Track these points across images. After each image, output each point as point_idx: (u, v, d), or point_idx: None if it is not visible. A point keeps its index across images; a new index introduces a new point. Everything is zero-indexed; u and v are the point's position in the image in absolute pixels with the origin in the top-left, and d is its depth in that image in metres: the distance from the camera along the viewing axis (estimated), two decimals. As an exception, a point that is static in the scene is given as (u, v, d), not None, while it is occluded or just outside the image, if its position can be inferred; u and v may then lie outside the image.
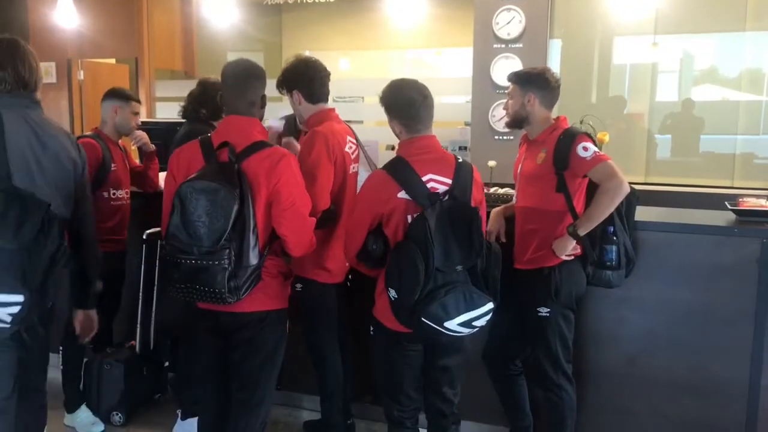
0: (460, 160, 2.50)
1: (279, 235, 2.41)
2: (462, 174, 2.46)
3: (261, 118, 2.53)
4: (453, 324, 2.34)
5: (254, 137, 2.41)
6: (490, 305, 2.40)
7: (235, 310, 2.40)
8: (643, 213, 2.96)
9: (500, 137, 5.02)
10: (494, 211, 3.01)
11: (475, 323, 2.38)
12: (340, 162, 2.90)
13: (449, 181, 2.43)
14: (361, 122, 6.36)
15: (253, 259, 2.31)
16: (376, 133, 5.75)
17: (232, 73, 2.48)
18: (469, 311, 2.35)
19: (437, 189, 2.41)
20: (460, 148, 5.45)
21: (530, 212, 2.81)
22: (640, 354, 3.02)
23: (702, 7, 5.13)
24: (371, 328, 2.60)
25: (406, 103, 2.48)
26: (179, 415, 3.40)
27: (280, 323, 2.53)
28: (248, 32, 7.36)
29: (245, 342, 2.46)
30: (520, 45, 4.95)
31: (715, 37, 5.50)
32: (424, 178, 2.41)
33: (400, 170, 2.43)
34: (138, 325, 3.62)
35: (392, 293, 2.38)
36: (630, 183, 2.85)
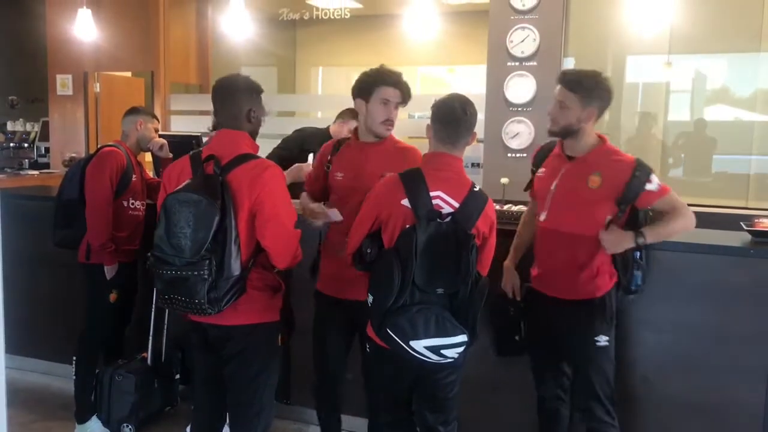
0: (477, 189, 2.47)
1: (263, 246, 2.42)
2: (472, 201, 2.43)
3: (253, 132, 2.55)
4: (419, 345, 2.30)
5: (241, 150, 2.44)
6: (463, 338, 2.35)
7: (221, 323, 2.43)
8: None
9: (513, 154, 5.02)
10: (506, 266, 2.88)
11: (444, 352, 2.33)
12: None
13: (456, 204, 2.40)
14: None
15: (235, 270, 2.32)
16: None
17: (219, 87, 2.55)
18: (439, 337, 2.31)
19: (442, 208, 2.38)
20: (472, 164, 5.45)
21: (577, 239, 2.62)
22: (653, 375, 2.99)
23: (717, 27, 5.12)
24: (367, 347, 2.59)
25: (445, 109, 2.48)
26: None
27: (270, 336, 2.54)
28: (263, 47, 7.40)
29: (235, 355, 2.48)
30: (534, 63, 4.95)
31: (728, 57, 5.50)
32: (433, 194, 2.39)
33: (411, 179, 2.42)
34: (150, 337, 3.64)
35: (369, 299, 2.38)
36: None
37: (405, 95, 2.76)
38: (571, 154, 2.68)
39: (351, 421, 3.14)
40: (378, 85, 2.72)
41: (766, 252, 2.86)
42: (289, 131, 5.39)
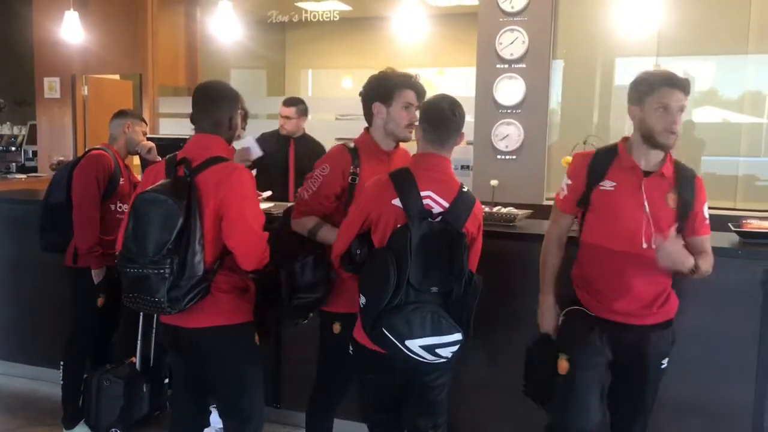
0: (465, 190, 2.47)
1: (228, 248, 2.43)
2: (461, 202, 2.42)
3: (231, 139, 2.58)
4: (414, 344, 2.29)
5: (214, 153, 2.47)
6: (458, 336, 2.34)
7: (189, 325, 2.45)
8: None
9: (503, 156, 5.04)
10: (548, 303, 2.59)
11: (439, 351, 2.31)
12: None
13: (446, 205, 2.40)
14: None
15: (198, 270, 2.34)
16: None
17: (202, 93, 2.56)
18: (435, 336, 2.29)
19: (432, 207, 2.38)
20: (462, 167, 5.46)
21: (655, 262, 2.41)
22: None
23: (704, 29, 5.16)
24: (350, 349, 2.57)
25: (435, 109, 2.47)
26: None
27: (242, 337, 2.55)
28: (252, 50, 7.39)
29: (208, 358, 2.52)
30: (523, 65, 4.97)
31: (716, 60, 5.53)
32: (423, 194, 2.38)
33: (401, 178, 2.42)
34: (138, 341, 3.61)
35: (362, 300, 2.36)
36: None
37: (422, 97, 2.72)
38: (645, 168, 2.44)
39: (340, 424, 3.13)
40: (400, 89, 2.66)
41: (753, 253, 2.87)
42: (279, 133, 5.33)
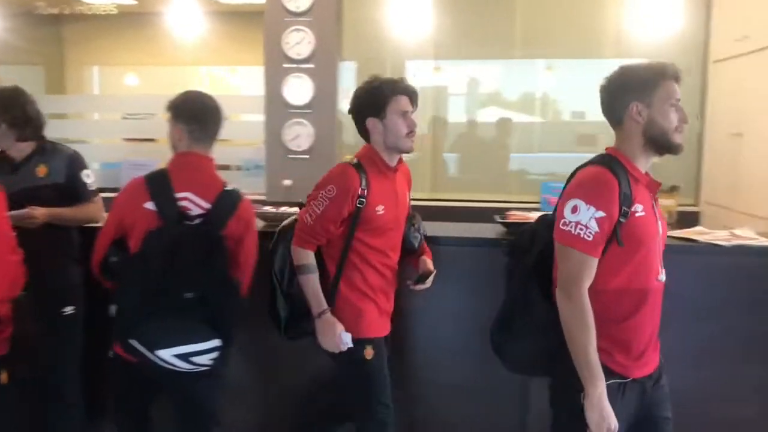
0: (228, 188, 2.41)
1: None
2: (224, 202, 2.37)
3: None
4: (167, 353, 2.20)
5: None
6: (215, 342, 2.28)
7: None
8: (431, 228, 3.03)
9: (294, 156, 5.03)
10: (605, 392, 1.90)
11: (194, 359, 2.24)
12: None
13: (207, 206, 2.33)
14: (153, 140, 6.06)
15: None
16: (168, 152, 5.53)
17: None
18: (190, 343, 2.22)
19: (190, 209, 2.31)
20: (256, 167, 5.39)
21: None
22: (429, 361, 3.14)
23: (475, 35, 5.49)
24: (111, 352, 2.42)
25: (198, 107, 2.40)
26: None
27: None
28: (22, 44, 6.75)
29: None
30: (312, 65, 5.00)
31: (491, 63, 5.95)
32: (179, 195, 2.30)
33: (155, 181, 2.32)
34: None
35: (112, 309, 2.25)
36: (417, 199, 2.90)
37: (415, 99, 2.56)
38: (649, 176, 2.06)
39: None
40: (391, 97, 2.48)
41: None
42: (59, 135, 4.84)
